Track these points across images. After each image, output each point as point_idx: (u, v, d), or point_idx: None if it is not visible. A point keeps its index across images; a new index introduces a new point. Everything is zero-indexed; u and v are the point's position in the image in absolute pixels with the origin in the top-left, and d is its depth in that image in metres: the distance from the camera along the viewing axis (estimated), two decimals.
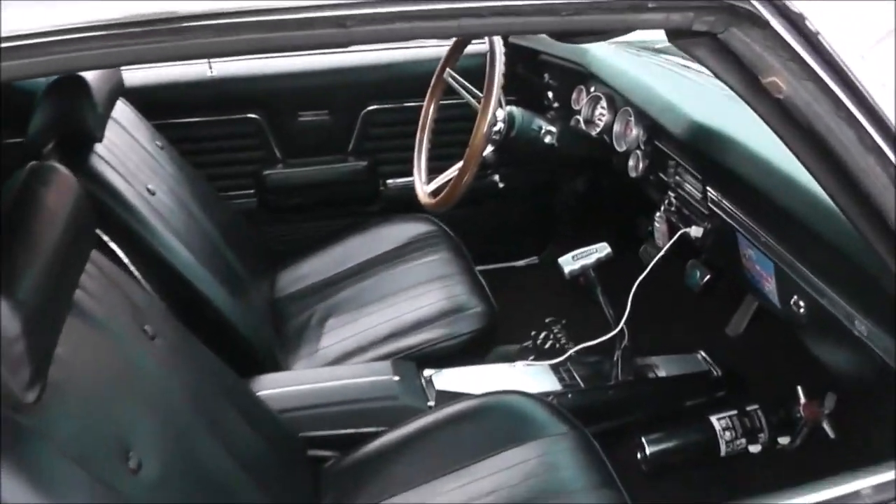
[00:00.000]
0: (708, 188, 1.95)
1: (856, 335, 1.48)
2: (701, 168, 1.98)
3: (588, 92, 2.60)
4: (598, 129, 2.49)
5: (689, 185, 2.11)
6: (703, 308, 2.51)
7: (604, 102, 2.49)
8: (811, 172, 1.18)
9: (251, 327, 2.21)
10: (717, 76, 1.13)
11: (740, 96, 1.13)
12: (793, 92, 1.07)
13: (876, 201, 1.12)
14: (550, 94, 2.82)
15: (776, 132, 1.15)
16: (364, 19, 0.95)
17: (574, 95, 2.68)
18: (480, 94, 2.18)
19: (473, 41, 2.45)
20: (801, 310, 1.67)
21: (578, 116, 2.59)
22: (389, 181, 3.04)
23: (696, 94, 2.13)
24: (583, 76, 2.63)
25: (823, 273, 1.57)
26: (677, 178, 2.16)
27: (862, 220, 1.17)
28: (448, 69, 2.42)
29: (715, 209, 1.94)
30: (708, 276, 2.22)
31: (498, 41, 2.16)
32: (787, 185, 1.62)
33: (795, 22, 1.05)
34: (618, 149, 2.42)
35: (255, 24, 0.94)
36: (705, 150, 1.90)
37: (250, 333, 2.19)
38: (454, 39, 2.43)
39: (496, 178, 2.93)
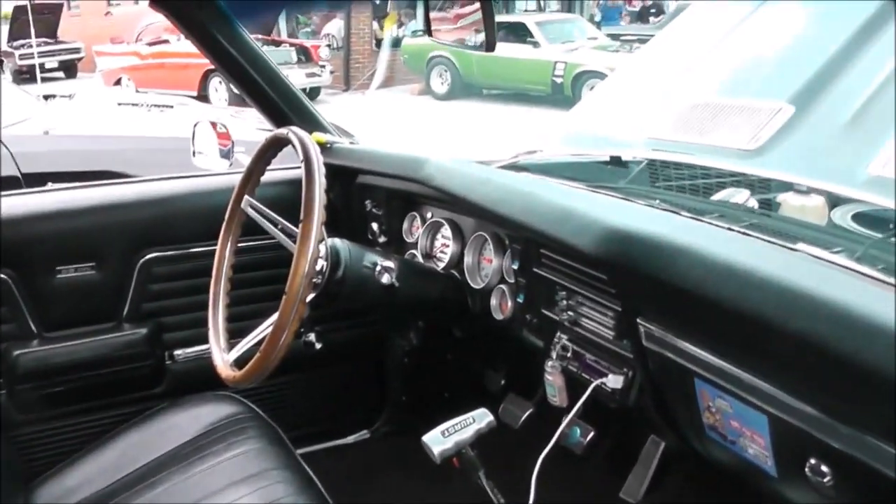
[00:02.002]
0: (639, 320, 1.39)
1: None
2: (627, 291, 1.45)
3: (423, 219, 2.12)
4: (444, 264, 2.03)
5: (591, 321, 1.62)
6: (587, 469, 2.03)
7: (446, 230, 2.05)
8: None
9: None
10: None
11: None
12: None
13: None
14: (375, 226, 2.30)
15: None
16: None
17: (405, 225, 2.22)
18: (293, 228, 1.67)
19: (273, 164, 1.91)
20: (826, 478, 1.14)
21: (414, 251, 2.14)
22: (178, 352, 2.40)
23: (606, 202, 1.68)
24: (414, 200, 2.16)
25: (865, 418, 1.06)
26: (570, 313, 1.66)
27: None
28: (247, 197, 1.87)
29: (652, 347, 1.39)
30: (592, 434, 1.82)
31: (314, 150, 1.61)
32: (787, 301, 1.10)
33: None
34: (473, 285, 1.96)
35: None
36: (635, 264, 1.35)
37: None
38: (250, 160, 1.92)
39: (312, 337, 2.33)
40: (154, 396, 2.33)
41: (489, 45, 1.33)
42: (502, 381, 2.32)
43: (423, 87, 15.23)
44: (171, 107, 6.52)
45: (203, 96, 13.35)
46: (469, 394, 2.39)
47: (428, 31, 1.54)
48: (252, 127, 4.94)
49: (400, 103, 14.46)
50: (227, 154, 2.41)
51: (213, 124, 2.45)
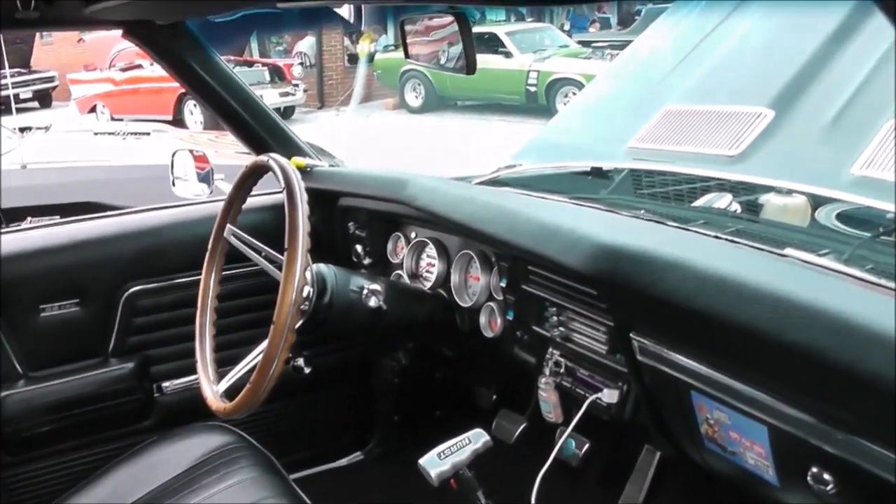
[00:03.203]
0: (632, 334, 1.37)
1: None
2: (618, 306, 1.43)
3: (408, 239, 2.10)
4: (431, 283, 2.00)
5: (583, 336, 1.60)
6: (583, 480, 1.99)
7: (431, 249, 2.02)
8: None
9: None
10: None
11: None
12: None
13: None
14: (359, 248, 2.27)
15: None
16: None
17: (390, 246, 2.19)
18: (276, 255, 1.67)
19: (255, 191, 1.88)
20: (829, 486, 1.13)
21: (400, 271, 2.11)
22: (166, 384, 2.34)
23: (591, 216, 1.66)
24: (397, 220, 2.14)
25: (866, 426, 1.04)
26: (562, 328, 1.64)
27: None
28: (229, 226, 1.85)
29: (647, 362, 1.37)
30: (587, 446, 1.78)
31: (296, 177, 1.59)
32: (782, 312, 1.08)
33: None
34: (461, 304, 1.93)
35: None
36: (625, 280, 1.33)
37: None
38: (231, 188, 1.88)
39: (300, 362, 2.29)
40: (143, 430, 2.29)
41: (469, 67, 1.30)
42: (494, 397, 2.29)
43: (398, 101, 15.19)
44: (148, 134, 6.49)
45: (178, 120, 13.26)
46: (460, 411, 2.37)
47: (406, 54, 1.52)
48: (232, 151, 4.90)
49: (374, 119, 14.42)
50: (205, 178, 2.38)
51: (192, 152, 2.42)
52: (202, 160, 2.39)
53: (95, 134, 6.95)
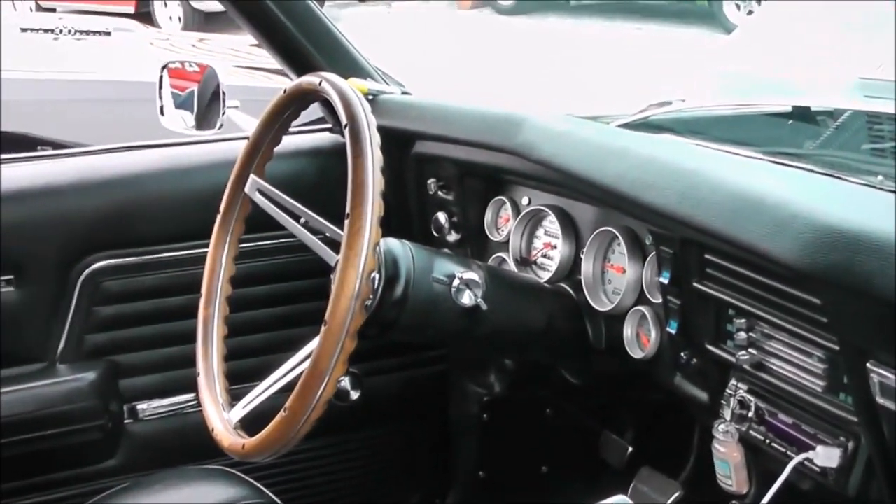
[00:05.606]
0: (870, 364, 1.39)
1: None
2: (850, 321, 1.45)
3: (517, 207, 2.14)
4: (550, 274, 2.05)
5: (787, 364, 1.61)
6: None
7: (552, 223, 2.07)
8: None
9: None
10: None
11: None
12: None
13: None
14: (442, 217, 2.32)
15: None
16: None
17: (489, 215, 2.24)
18: (325, 223, 1.72)
19: (294, 126, 1.93)
20: None
21: (503, 254, 2.17)
22: (142, 406, 2.43)
23: (810, 183, 1.69)
24: (501, 179, 2.19)
25: None
26: (752, 351, 1.65)
27: None
28: (253, 177, 1.89)
29: (891, 406, 1.38)
30: None
31: (363, 108, 1.64)
32: None
33: None
34: (596, 307, 1.97)
35: None
36: (865, 282, 1.35)
37: None
38: (257, 124, 1.92)
39: (345, 383, 2.35)
40: (107, 473, 2.37)
41: None
42: (629, 450, 2.32)
43: None
44: (108, 33, 6.56)
45: (144, 13, 13.40)
46: (578, 467, 2.40)
47: None
48: (230, 65, 4.97)
49: (444, 21, 14.46)
50: (186, 103, 2.43)
51: (184, 66, 2.48)
52: (189, 77, 2.44)
53: (23, 30, 7.02)
